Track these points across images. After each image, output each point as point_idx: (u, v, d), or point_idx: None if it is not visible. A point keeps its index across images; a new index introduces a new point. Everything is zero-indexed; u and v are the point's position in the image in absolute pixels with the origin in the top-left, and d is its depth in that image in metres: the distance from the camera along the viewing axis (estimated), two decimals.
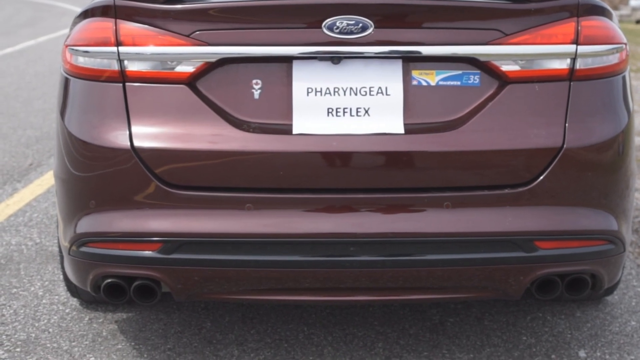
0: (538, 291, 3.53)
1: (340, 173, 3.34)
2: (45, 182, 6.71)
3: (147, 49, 3.36)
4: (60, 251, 4.06)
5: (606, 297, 4.49)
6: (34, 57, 14.80)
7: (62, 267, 4.14)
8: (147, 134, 3.36)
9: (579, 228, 3.40)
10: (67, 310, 4.40)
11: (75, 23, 3.60)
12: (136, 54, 3.37)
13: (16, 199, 6.26)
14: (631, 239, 4.78)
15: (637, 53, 14.76)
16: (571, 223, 3.40)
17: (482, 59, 3.36)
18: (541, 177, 3.37)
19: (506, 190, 3.37)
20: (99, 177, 3.41)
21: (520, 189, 3.37)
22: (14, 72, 12.79)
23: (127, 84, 3.40)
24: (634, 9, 30.41)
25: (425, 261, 3.38)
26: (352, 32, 3.30)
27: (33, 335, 4.15)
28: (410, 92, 3.37)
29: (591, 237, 3.44)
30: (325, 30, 3.30)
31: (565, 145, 3.37)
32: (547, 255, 3.39)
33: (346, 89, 3.35)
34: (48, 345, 4.05)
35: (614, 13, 3.63)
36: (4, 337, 4.13)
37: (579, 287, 3.54)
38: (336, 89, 3.35)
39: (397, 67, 3.36)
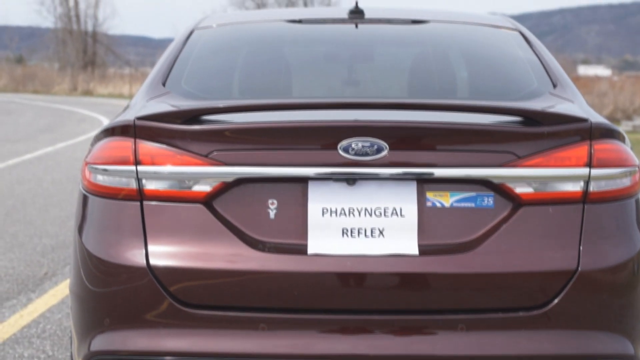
0: None
1: (355, 294, 3.35)
2: (60, 292, 6.72)
3: (165, 169, 3.41)
4: None
5: None
6: (52, 164, 14.96)
7: None
8: (163, 253, 3.39)
9: (594, 352, 3.38)
10: None
11: (96, 140, 3.66)
12: (154, 173, 3.42)
13: (30, 310, 6.27)
14: None
15: None
16: (586, 347, 3.38)
17: (496, 181, 3.39)
18: (556, 300, 3.37)
19: (521, 313, 3.37)
20: (114, 294, 3.43)
21: (535, 312, 3.37)
22: (32, 179, 12.92)
23: (144, 202, 3.44)
24: None
25: None
26: (367, 154, 3.35)
27: None
28: (425, 214, 3.40)
29: None
30: (340, 152, 3.35)
31: (580, 268, 3.38)
32: None
33: (361, 210, 3.39)
34: None
35: (626, 135, 3.67)
36: None
37: None
38: (351, 210, 3.38)
39: (411, 189, 3.40)
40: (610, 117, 30.66)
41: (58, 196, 11.32)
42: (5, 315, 6.14)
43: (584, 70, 79.81)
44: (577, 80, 40.90)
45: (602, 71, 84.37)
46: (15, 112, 31.95)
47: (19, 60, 75.44)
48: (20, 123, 26.12)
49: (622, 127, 28.27)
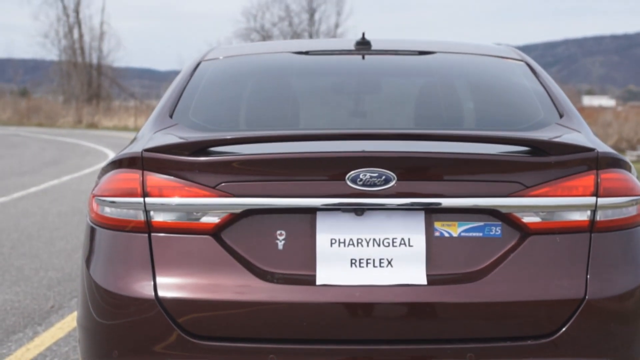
0: None
1: (364, 324, 3.35)
2: (66, 325, 6.71)
3: (173, 200, 3.42)
4: None
5: None
6: (58, 197, 14.98)
7: None
8: (172, 284, 3.39)
9: None
10: None
11: (103, 173, 3.67)
12: (162, 204, 3.43)
13: (37, 343, 6.25)
14: None
15: None
16: None
17: (503, 210, 3.40)
18: (564, 329, 3.37)
19: (529, 342, 3.37)
20: (122, 326, 3.44)
21: (543, 340, 3.37)
22: (38, 212, 12.93)
23: (152, 234, 3.45)
24: None
25: None
26: (375, 185, 3.36)
27: None
28: (433, 243, 3.40)
29: None
30: (348, 183, 3.36)
31: (587, 297, 3.38)
32: None
33: (369, 240, 3.39)
34: None
35: (632, 165, 3.68)
36: None
37: None
38: (359, 240, 3.39)
39: (419, 219, 3.41)
40: (615, 147, 30.66)
41: (64, 229, 11.33)
42: (11, 349, 6.13)
43: (588, 100, 79.94)
44: (581, 110, 40.94)
45: (606, 102, 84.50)
46: (20, 145, 32.03)
47: (24, 93, 75.66)
48: (25, 156, 26.18)
49: (627, 157, 28.23)
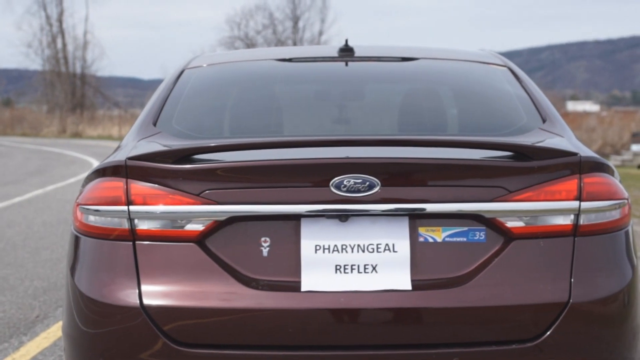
0: None
1: (349, 330, 3.36)
2: (52, 334, 6.69)
3: (157, 208, 3.42)
4: None
5: None
6: (42, 206, 14.94)
7: None
8: (157, 292, 3.39)
9: None
10: None
11: (87, 181, 3.66)
12: (146, 212, 3.43)
13: (22, 353, 6.23)
14: None
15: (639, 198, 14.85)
16: None
17: (487, 215, 3.41)
18: (548, 332, 3.38)
19: (514, 346, 3.38)
20: (108, 334, 3.43)
21: (528, 344, 3.38)
22: (22, 222, 12.89)
23: (137, 242, 3.45)
24: (636, 154, 30.74)
25: None
26: (359, 191, 3.36)
27: None
28: (417, 249, 3.41)
29: None
30: (332, 189, 3.36)
31: (571, 300, 3.39)
32: None
33: (354, 246, 3.40)
34: None
35: (615, 169, 3.70)
36: None
37: None
38: (344, 246, 3.40)
39: (403, 224, 3.41)
40: (599, 152, 30.78)
41: (49, 239, 11.30)
42: None
43: (572, 105, 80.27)
44: (566, 116, 41.10)
45: (590, 107, 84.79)
46: (4, 155, 31.94)
47: (7, 103, 75.53)
48: (9, 166, 26.11)
49: (611, 162, 28.35)
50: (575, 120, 39.57)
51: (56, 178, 21.40)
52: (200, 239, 3.41)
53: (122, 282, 3.42)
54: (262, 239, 3.42)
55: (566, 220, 3.45)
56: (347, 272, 3.38)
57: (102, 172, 3.58)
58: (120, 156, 3.59)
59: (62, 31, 70.57)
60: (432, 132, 4.11)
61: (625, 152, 31.97)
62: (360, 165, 3.38)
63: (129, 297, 3.40)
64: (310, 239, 3.39)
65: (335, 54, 4.66)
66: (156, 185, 3.44)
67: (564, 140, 3.81)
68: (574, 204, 3.44)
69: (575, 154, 3.50)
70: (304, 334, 3.34)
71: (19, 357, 6.14)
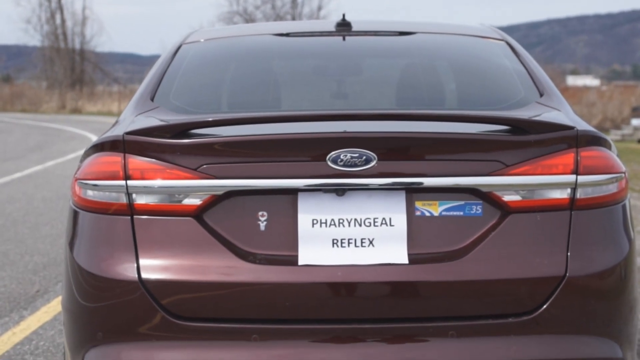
0: None
1: (346, 303, 3.37)
2: (52, 309, 6.72)
3: (155, 183, 3.43)
4: None
5: None
6: (42, 182, 14.95)
7: None
8: (155, 266, 3.41)
9: (583, 356, 3.41)
10: None
11: (85, 156, 3.67)
12: (144, 187, 3.44)
13: (23, 327, 6.27)
14: None
15: (639, 172, 14.86)
16: (575, 351, 3.41)
17: (484, 189, 3.42)
18: (545, 306, 3.40)
19: (510, 319, 3.39)
20: (106, 308, 3.45)
21: (524, 318, 3.39)
22: (22, 198, 12.91)
23: (135, 216, 3.46)
24: (636, 129, 30.72)
25: None
26: (356, 165, 3.37)
27: None
28: (414, 223, 3.42)
29: None
30: (329, 163, 3.37)
31: (568, 274, 3.40)
32: None
33: (351, 220, 3.41)
34: None
35: (612, 142, 3.70)
36: None
37: None
38: (341, 220, 3.41)
39: (400, 199, 3.42)
40: (599, 127, 30.77)
41: (49, 214, 11.32)
42: None
43: (572, 80, 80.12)
44: (566, 90, 41.04)
45: (590, 81, 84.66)
46: (3, 131, 31.93)
47: (6, 79, 75.41)
48: (9, 142, 26.10)
49: (611, 136, 28.38)
50: (575, 94, 39.53)
51: (56, 154, 21.41)
52: (198, 214, 3.42)
53: (121, 256, 3.44)
54: (260, 213, 3.43)
55: (563, 194, 3.46)
56: (344, 246, 3.40)
57: (100, 147, 3.58)
58: (118, 131, 3.60)
59: (60, 7, 70.43)
60: (429, 107, 4.12)
61: (626, 127, 31.95)
62: (357, 140, 3.38)
63: (127, 271, 3.41)
64: (308, 213, 3.40)
65: (333, 29, 4.66)
66: (154, 160, 3.45)
67: (561, 114, 3.81)
68: (571, 177, 3.45)
69: (572, 128, 3.51)
70: (301, 307, 3.35)
71: (19, 331, 6.17)
